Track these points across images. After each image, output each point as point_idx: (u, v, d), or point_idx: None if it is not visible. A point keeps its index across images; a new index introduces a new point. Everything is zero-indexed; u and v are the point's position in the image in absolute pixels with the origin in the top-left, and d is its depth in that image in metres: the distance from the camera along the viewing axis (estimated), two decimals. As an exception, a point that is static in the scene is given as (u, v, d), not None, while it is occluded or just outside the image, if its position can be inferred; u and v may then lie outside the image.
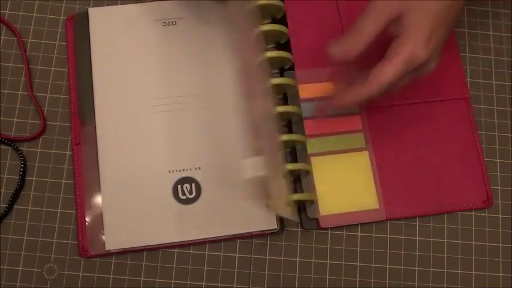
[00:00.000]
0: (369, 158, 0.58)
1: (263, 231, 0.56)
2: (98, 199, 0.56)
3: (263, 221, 0.56)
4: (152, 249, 0.56)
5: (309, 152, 0.58)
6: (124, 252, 0.55)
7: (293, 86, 0.58)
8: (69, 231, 0.56)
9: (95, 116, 0.57)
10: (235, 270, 0.56)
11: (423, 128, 0.59)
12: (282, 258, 0.56)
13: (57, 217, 0.57)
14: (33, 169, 0.58)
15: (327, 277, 0.56)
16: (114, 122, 0.57)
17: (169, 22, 0.60)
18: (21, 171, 0.57)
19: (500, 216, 0.58)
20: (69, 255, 0.56)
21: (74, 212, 0.57)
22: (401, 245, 0.57)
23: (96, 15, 0.60)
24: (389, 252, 0.57)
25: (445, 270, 0.57)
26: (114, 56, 0.59)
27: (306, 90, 0.59)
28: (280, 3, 0.59)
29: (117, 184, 0.56)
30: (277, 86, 0.57)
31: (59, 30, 0.61)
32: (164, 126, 0.57)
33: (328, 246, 0.57)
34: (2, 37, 0.61)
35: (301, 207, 0.57)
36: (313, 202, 0.57)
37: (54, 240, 0.56)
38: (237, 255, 0.56)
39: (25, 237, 0.56)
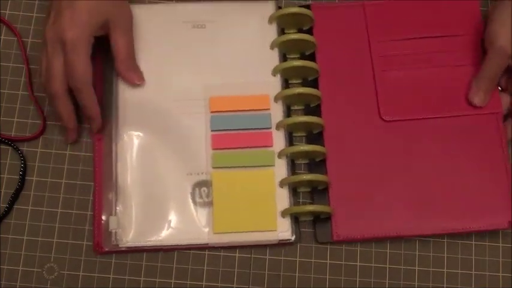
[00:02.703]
0: (274, 176, 0.56)
1: (280, 240, 0.55)
2: (115, 196, 0.55)
3: (279, 231, 0.55)
4: (163, 250, 0.56)
5: (212, 166, 0.56)
6: (134, 250, 0.55)
7: (317, 96, 0.57)
8: (69, 231, 0.56)
9: (118, 113, 0.57)
10: (235, 270, 0.56)
11: (451, 143, 0.57)
12: (282, 258, 0.56)
13: (57, 217, 0.57)
14: (33, 169, 0.58)
15: (327, 277, 0.56)
16: (136, 120, 0.57)
17: (198, 25, 0.60)
18: (21, 171, 0.57)
19: (500, 216, 0.58)
20: (69, 255, 0.56)
21: (73, 211, 0.57)
22: (401, 244, 0.57)
23: None
24: (389, 252, 0.57)
25: (445, 270, 0.57)
26: (139, 53, 0.58)
27: (217, 103, 0.58)
28: (310, 14, 0.59)
29: (135, 182, 0.56)
30: (300, 96, 0.57)
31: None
32: (187, 128, 0.57)
33: (328, 246, 0.57)
34: (2, 37, 0.61)
35: (315, 220, 0.57)
36: (328, 214, 0.56)
37: (54, 240, 0.56)
38: (237, 255, 0.56)
39: (25, 237, 0.56)
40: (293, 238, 0.55)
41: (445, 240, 0.57)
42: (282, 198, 0.56)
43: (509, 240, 0.58)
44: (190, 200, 0.56)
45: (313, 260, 0.56)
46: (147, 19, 0.60)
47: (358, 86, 0.59)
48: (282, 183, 0.56)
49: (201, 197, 0.56)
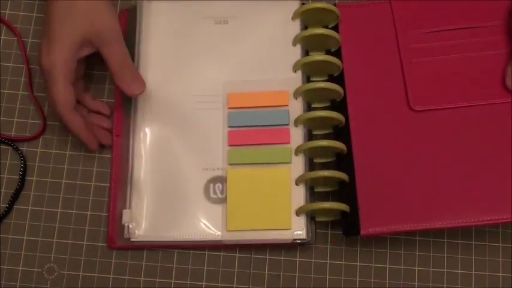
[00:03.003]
0: (290, 173, 0.55)
1: (294, 240, 0.54)
2: (130, 190, 0.55)
3: (293, 230, 0.54)
4: (175, 247, 0.56)
5: (228, 162, 0.56)
6: (146, 247, 0.55)
7: (338, 92, 0.56)
8: (69, 231, 0.56)
9: (137, 107, 0.57)
10: (235, 270, 0.56)
11: (483, 133, 0.55)
12: (282, 258, 0.56)
13: (57, 217, 0.57)
14: (33, 169, 0.58)
15: (327, 277, 0.56)
16: (154, 115, 0.57)
17: (221, 21, 0.60)
18: (21, 171, 0.57)
19: (500, 216, 0.58)
20: (69, 255, 0.56)
21: (73, 211, 0.57)
22: (401, 245, 0.57)
23: (148, 9, 0.60)
24: (389, 252, 0.57)
25: (445, 270, 0.57)
26: (161, 50, 0.58)
27: (235, 100, 0.57)
28: (336, 9, 0.58)
29: (150, 177, 0.56)
30: (321, 91, 0.56)
31: None
32: (204, 124, 0.57)
33: (328, 247, 0.57)
34: (2, 37, 0.61)
35: (342, 214, 0.55)
36: (346, 212, 0.54)
37: (54, 240, 0.56)
38: (237, 255, 0.56)
39: (25, 237, 0.56)
40: (308, 238, 0.54)
41: (445, 240, 0.57)
42: (298, 197, 0.55)
43: (509, 240, 0.58)
44: (204, 196, 0.55)
45: (313, 260, 0.56)
46: (169, 14, 0.59)
47: (386, 79, 0.57)
48: (298, 181, 0.55)
49: (215, 193, 0.55)
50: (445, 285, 0.56)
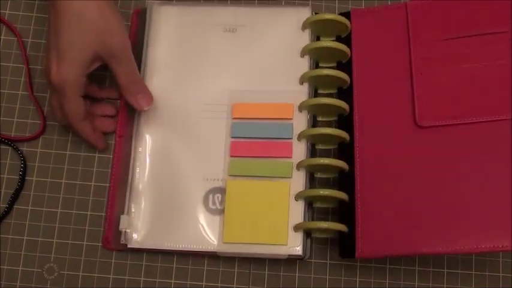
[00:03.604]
0: (289, 188, 0.54)
1: (290, 255, 0.54)
2: (129, 195, 0.55)
3: (289, 246, 0.54)
4: (169, 252, 0.56)
5: (229, 173, 0.55)
6: (143, 251, 0.55)
7: (345, 108, 0.56)
8: (69, 231, 0.56)
9: (140, 112, 0.57)
10: (235, 270, 0.56)
11: (492, 152, 0.52)
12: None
13: (57, 217, 0.57)
14: (33, 169, 0.58)
15: (327, 277, 0.56)
16: (157, 121, 0.57)
17: (229, 29, 0.59)
18: (21, 171, 0.57)
19: (500, 216, 0.58)
20: (69, 255, 0.56)
21: (73, 211, 0.57)
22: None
23: (158, 12, 0.60)
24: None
25: (445, 270, 0.57)
26: (168, 54, 0.58)
27: (239, 110, 0.57)
28: (346, 21, 0.57)
29: (150, 183, 0.56)
30: (326, 106, 0.56)
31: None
32: (208, 133, 0.57)
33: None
34: (2, 37, 0.61)
35: (340, 234, 0.55)
36: (343, 232, 0.53)
37: (54, 240, 0.56)
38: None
39: (25, 237, 0.56)
40: (304, 255, 0.54)
41: (445, 240, 0.57)
42: (296, 213, 0.54)
43: (509, 240, 0.58)
44: (203, 206, 0.55)
45: (313, 260, 0.56)
46: (178, 19, 0.59)
47: (394, 93, 0.56)
48: (297, 197, 0.54)
49: (214, 203, 0.55)
50: (445, 285, 0.56)
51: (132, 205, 0.55)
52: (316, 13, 0.60)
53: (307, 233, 0.55)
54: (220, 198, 0.55)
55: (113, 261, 0.56)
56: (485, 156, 0.52)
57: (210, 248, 0.54)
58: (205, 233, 0.54)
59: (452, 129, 0.53)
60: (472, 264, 0.57)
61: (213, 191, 0.55)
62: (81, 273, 0.55)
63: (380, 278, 0.56)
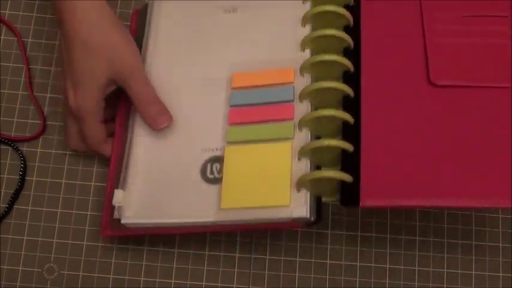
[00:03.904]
0: (291, 148, 0.51)
1: (294, 219, 0.49)
2: (125, 171, 0.54)
3: (292, 206, 0.49)
4: (165, 232, 0.53)
5: (227, 140, 0.53)
6: (139, 233, 0.53)
7: (349, 66, 0.54)
8: (69, 230, 0.56)
9: None
10: (235, 270, 0.56)
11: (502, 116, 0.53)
12: (282, 258, 0.56)
13: (57, 217, 0.57)
14: (33, 169, 0.58)
15: (327, 277, 0.56)
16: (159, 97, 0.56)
17: (230, 9, 0.59)
18: (21, 171, 0.57)
19: (500, 216, 0.58)
20: (69, 255, 0.56)
21: (73, 211, 0.57)
22: (401, 244, 0.57)
23: (158, 4, 0.60)
24: (389, 252, 0.57)
25: (445, 270, 0.57)
26: (169, 38, 0.58)
27: (239, 79, 0.55)
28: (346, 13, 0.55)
29: (147, 157, 0.54)
30: (328, 65, 0.53)
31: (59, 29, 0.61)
32: (207, 106, 0.55)
33: (329, 247, 0.57)
34: (2, 37, 0.61)
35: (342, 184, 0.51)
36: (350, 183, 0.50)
37: (54, 240, 0.56)
38: (237, 255, 0.56)
39: (25, 237, 0.56)
40: (311, 217, 0.49)
41: (445, 240, 0.57)
42: (300, 172, 0.50)
43: (509, 240, 0.58)
44: (201, 176, 0.53)
45: (313, 260, 0.56)
46: (178, 9, 0.59)
47: (406, 54, 0.55)
48: (300, 154, 0.51)
49: (212, 173, 0.53)
50: (445, 285, 0.56)
51: (128, 180, 0.53)
52: None
53: (316, 198, 0.51)
54: (218, 168, 0.53)
55: (113, 261, 0.56)
56: (493, 119, 0.53)
57: (207, 219, 0.51)
58: (203, 203, 0.51)
59: (463, 91, 0.54)
60: (472, 264, 0.57)
61: (211, 160, 0.53)
62: (81, 273, 0.55)
63: (380, 278, 0.56)
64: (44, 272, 0.55)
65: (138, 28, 0.60)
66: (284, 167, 0.51)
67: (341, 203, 0.51)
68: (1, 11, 0.62)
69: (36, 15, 0.62)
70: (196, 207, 0.51)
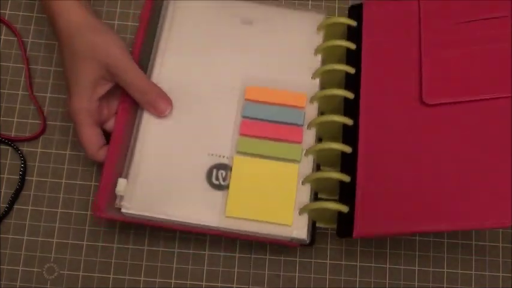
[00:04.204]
0: (297, 172, 0.54)
1: (291, 239, 0.53)
2: (129, 161, 0.54)
3: (294, 228, 0.53)
4: (165, 227, 0.53)
5: (237, 150, 0.55)
6: (135, 221, 0.53)
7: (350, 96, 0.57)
8: (69, 230, 0.56)
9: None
10: (235, 270, 0.56)
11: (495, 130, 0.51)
12: (282, 258, 0.56)
13: (57, 217, 0.57)
14: (33, 169, 0.58)
15: (327, 277, 0.56)
16: (169, 95, 0.56)
17: (246, 21, 0.60)
18: (21, 171, 0.57)
19: (500, 216, 0.58)
20: (69, 255, 0.56)
21: (73, 211, 0.57)
22: (401, 244, 0.57)
23: (174, 3, 0.60)
24: (389, 252, 0.57)
25: (445, 270, 0.57)
26: (183, 38, 0.59)
27: (252, 93, 0.57)
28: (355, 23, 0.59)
29: (152, 151, 0.55)
30: (336, 98, 0.57)
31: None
32: (218, 111, 0.56)
33: (328, 247, 0.57)
34: (2, 37, 0.61)
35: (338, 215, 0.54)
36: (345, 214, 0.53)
37: (54, 240, 0.56)
38: (237, 255, 0.56)
39: (25, 237, 0.56)
40: (307, 240, 0.53)
41: (445, 240, 0.57)
42: (302, 197, 0.54)
43: (509, 240, 0.58)
44: (205, 180, 0.54)
45: (313, 260, 0.56)
46: (194, 10, 0.60)
47: (401, 77, 0.56)
48: (305, 180, 0.54)
49: (217, 179, 0.54)
50: (445, 285, 0.56)
51: (132, 170, 0.54)
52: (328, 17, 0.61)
53: (313, 223, 0.54)
54: (224, 175, 0.54)
55: (113, 261, 0.56)
56: (487, 134, 0.51)
57: (210, 223, 0.53)
58: (207, 207, 0.53)
59: (457, 108, 0.53)
60: (472, 264, 0.57)
61: (217, 166, 0.55)
62: (81, 273, 0.55)
63: (380, 278, 0.56)
64: (44, 272, 0.55)
65: (150, 20, 0.59)
66: (290, 188, 0.54)
67: (338, 234, 0.53)
68: (1, 11, 0.62)
69: (36, 15, 0.62)
70: (200, 210, 0.53)
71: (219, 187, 0.54)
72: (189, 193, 0.54)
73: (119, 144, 0.54)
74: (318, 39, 0.60)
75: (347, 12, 0.61)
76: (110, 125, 0.56)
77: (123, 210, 0.53)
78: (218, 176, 0.54)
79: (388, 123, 0.54)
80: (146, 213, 0.53)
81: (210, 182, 0.54)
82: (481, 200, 0.49)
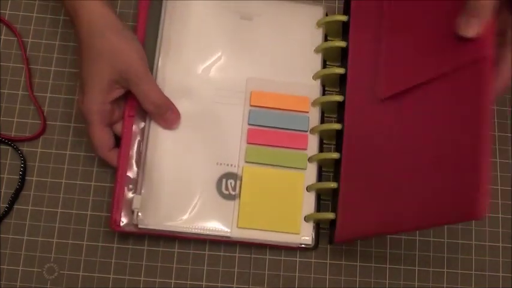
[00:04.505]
0: (304, 179, 0.56)
1: (299, 244, 0.55)
2: (142, 176, 0.54)
3: (301, 236, 0.55)
4: (182, 238, 0.55)
5: (246, 160, 0.56)
6: (152, 234, 0.55)
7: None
8: (69, 230, 0.56)
9: None
10: (235, 270, 0.56)
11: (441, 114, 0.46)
12: (282, 258, 0.56)
13: (57, 217, 0.57)
14: (33, 169, 0.58)
15: (327, 277, 0.56)
16: (174, 103, 0.56)
17: (246, 17, 0.60)
18: (21, 171, 0.57)
19: (500, 216, 0.58)
20: (69, 255, 0.56)
21: (73, 211, 0.57)
22: (401, 244, 0.57)
23: (173, 3, 0.59)
24: (389, 252, 0.57)
25: (445, 270, 0.57)
26: (184, 37, 0.58)
27: (258, 98, 0.57)
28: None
29: (162, 164, 0.55)
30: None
31: (59, 30, 0.61)
32: (223, 118, 0.57)
33: (328, 247, 0.57)
34: (2, 37, 0.61)
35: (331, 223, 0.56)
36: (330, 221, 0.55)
37: (54, 240, 0.56)
38: (237, 255, 0.56)
39: (25, 237, 0.56)
40: (312, 244, 0.56)
41: (445, 240, 0.57)
42: (308, 203, 0.56)
43: (509, 241, 0.58)
44: (216, 190, 0.55)
45: (313, 260, 0.56)
46: (194, 7, 0.59)
47: (370, 76, 0.55)
48: (310, 188, 0.56)
49: (227, 188, 0.55)
50: (445, 285, 0.56)
51: (145, 186, 0.54)
52: (327, 13, 0.61)
53: (317, 224, 0.56)
54: (233, 184, 0.55)
55: (113, 261, 0.56)
56: (445, 114, 0.46)
57: (223, 233, 0.54)
58: (219, 217, 0.54)
59: (407, 96, 0.49)
60: (472, 264, 0.57)
61: (226, 176, 0.55)
62: (81, 273, 0.55)
63: (380, 278, 0.56)
64: (44, 272, 0.55)
65: (147, 21, 0.59)
66: (297, 196, 0.56)
67: (329, 241, 0.57)
68: (1, 11, 0.62)
69: (36, 15, 0.62)
70: (213, 221, 0.55)
71: (229, 197, 0.55)
72: (202, 204, 0.55)
73: (127, 158, 0.55)
74: (318, 33, 0.60)
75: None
76: (118, 127, 0.56)
77: (140, 226, 0.54)
78: (228, 186, 0.55)
79: (362, 124, 0.54)
80: (163, 228, 0.54)
81: (220, 192, 0.55)
82: (441, 194, 0.45)
